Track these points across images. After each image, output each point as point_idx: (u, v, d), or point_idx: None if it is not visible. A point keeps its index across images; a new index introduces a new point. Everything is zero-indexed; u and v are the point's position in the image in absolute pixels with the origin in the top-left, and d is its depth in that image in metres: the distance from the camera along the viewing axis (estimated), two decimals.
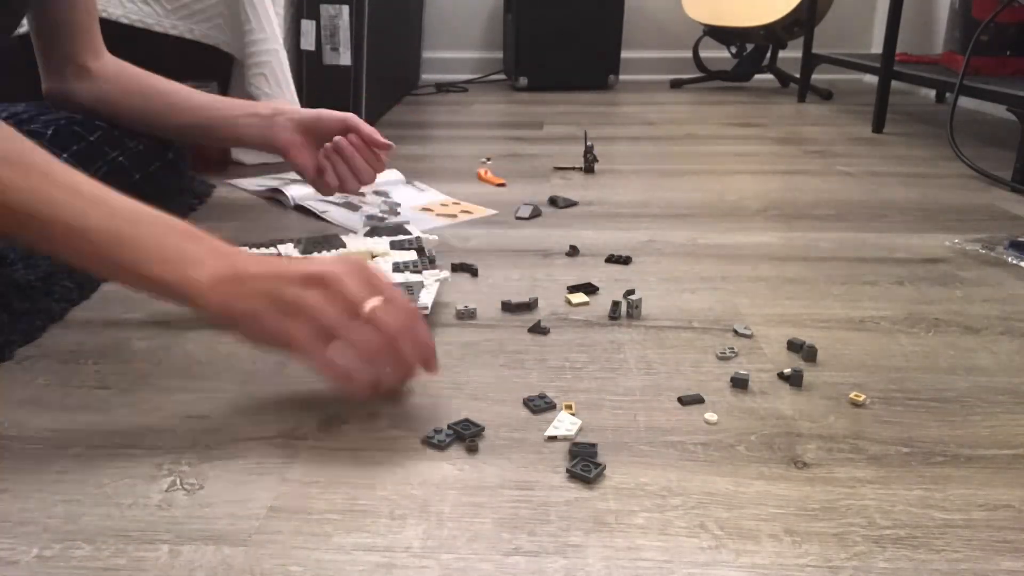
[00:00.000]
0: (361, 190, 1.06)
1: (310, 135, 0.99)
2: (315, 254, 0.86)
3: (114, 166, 1.02)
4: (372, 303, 0.56)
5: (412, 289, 0.76)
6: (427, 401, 0.64)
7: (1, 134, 0.58)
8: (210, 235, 0.60)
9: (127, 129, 1.03)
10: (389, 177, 1.28)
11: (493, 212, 1.16)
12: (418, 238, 0.91)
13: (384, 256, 0.86)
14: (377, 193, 1.20)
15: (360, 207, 1.14)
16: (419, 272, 0.81)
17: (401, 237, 0.91)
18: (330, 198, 1.14)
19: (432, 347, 0.60)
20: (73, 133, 0.97)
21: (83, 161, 1.00)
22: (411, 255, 0.85)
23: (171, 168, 1.12)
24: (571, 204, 1.19)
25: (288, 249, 0.89)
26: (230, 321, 0.58)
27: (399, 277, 0.78)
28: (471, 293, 0.86)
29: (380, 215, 1.09)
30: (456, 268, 0.92)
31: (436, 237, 0.94)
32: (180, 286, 0.57)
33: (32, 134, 0.98)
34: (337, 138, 0.98)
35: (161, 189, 1.10)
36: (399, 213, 1.12)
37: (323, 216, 1.11)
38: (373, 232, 0.94)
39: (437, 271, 0.82)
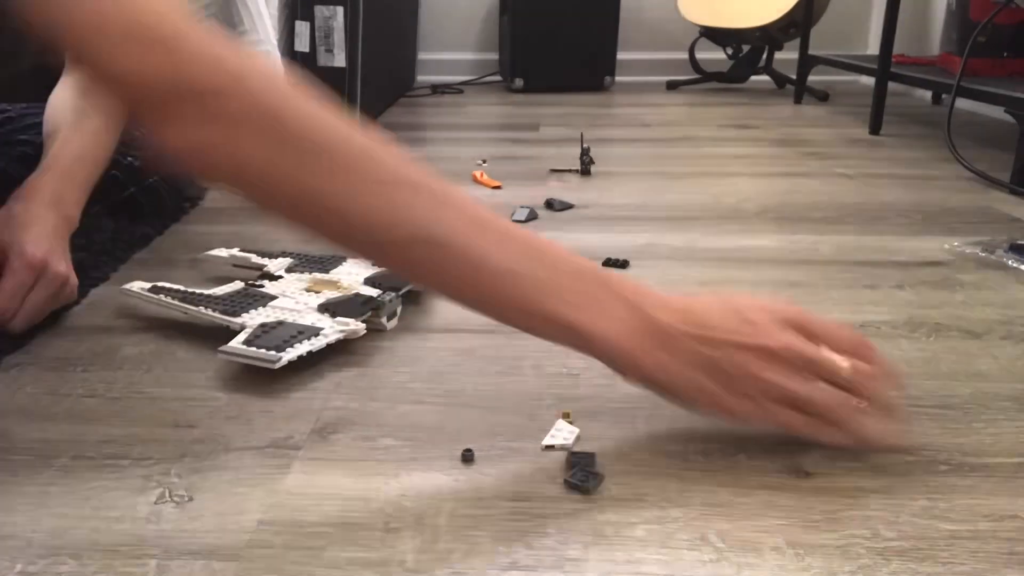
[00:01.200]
0: None
1: None
2: (297, 275, 0.83)
3: (107, 178, 1.01)
4: (846, 365, 0.53)
5: (298, 336, 0.68)
6: (420, 408, 0.63)
7: (411, 168, 0.54)
8: (613, 272, 0.58)
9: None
10: None
11: None
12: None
13: (346, 290, 0.79)
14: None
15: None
16: (334, 316, 0.73)
17: (377, 272, 0.83)
18: None
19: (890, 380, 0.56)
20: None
21: None
22: (350, 295, 0.78)
23: (169, 181, 1.09)
24: (567, 207, 1.18)
25: (279, 264, 0.86)
26: (660, 390, 0.55)
27: (315, 318, 0.72)
28: None
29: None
30: None
31: None
32: (589, 334, 0.53)
33: (23, 144, 0.97)
34: None
35: (159, 201, 1.09)
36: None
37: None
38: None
39: (349, 321, 0.72)
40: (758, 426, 0.55)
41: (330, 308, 0.74)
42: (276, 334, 0.69)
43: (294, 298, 0.77)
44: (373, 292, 0.78)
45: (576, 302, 0.53)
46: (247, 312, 0.74)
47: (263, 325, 0.70)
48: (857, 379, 0.53)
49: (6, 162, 0.95)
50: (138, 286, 0.79)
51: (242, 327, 0.70)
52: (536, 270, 0.53)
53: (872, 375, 0.54)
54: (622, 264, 0.94)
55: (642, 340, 0.53)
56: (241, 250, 0.89)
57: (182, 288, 0.78)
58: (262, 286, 0.80)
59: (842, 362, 0.53)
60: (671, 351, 0.53)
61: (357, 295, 0.78)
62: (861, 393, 0.54)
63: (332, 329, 0.71)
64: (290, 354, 0.66)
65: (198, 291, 0.77)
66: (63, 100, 0.91)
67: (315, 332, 0.70)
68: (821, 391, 0.53)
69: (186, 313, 0.75)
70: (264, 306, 0.75)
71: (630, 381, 0.56)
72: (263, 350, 0.66)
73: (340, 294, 0.78)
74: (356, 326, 0.72)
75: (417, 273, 0.57)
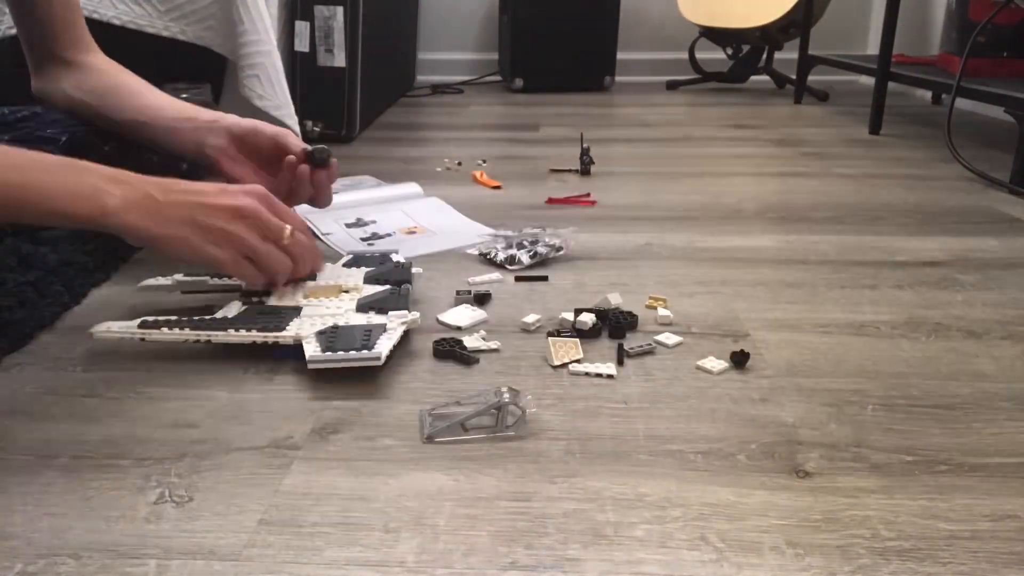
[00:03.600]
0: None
1: (244, 148, 0.92)
2: (290, 284, 0.80)
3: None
4: (287, 233, 0.73)
5: (370, 334, 0.68)
6: (420, 408, 0.63)
7: None
8: (98, 165, 0.67)
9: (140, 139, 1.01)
10: (407, 191, 1.22)
11: (490, 231, 1.14)
12: (401, 266, 0.84)
13: (354, 291, 0.79)
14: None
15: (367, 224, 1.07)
16: (383, 312, 0.73)
17: (371, 270, 0.84)
18: (338, 216, 1.09)
19: (320, 257, 0.81)
20: (89, 142, 0.95)
21: None
22: (383, 290, 0.78)
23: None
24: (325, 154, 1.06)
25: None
26: (153, 244, 0.68)
27: (361, 318, 0.72)
28: (466, 297, 0.85)
29: (383, 234, 1.03)
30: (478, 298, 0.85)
31: (421, 270, 0.88)
32: (98, 217, 0.65)
33: (47, 140, 0.96)
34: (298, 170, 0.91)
35: None
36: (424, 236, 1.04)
37: (322, 237, 1.03)
38: (354, 262, 0.87)
39: (406, 313, 0.73)
40: (225, 272, 0.73)
41: (374, 306, 0.74)
42: (347, 336, 0.68)
43: (321, 305, 0.75)
44: (363, 319, 0.73)
45: (78, 194, 0.65)
46: (288, 325, 0.70)
47: (322, 333, 0.69)
48: (292, 243, 0.74)
49: None
50: (119, 326, 0.70)
51: (297, 339, 0.68)
52: (42, 180, 0.64)
53: (299, 248, 0.75)
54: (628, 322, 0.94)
55: (141, 211, 0.66)
56: (186, 274, 0.82)
57: (181, 318, 0.71)
58: (263, 302, 0.77)
59: (287, 230, 0.73)
60: (164, 216, 0.68)
61: (392, 290, 0.78)
62: (291, 253, 0.75)
63: (394, 322, 0.71)
64: (383, 347, 0.66)
65: (206, 317, 0.72)
66: (109, 83, 0.96)
67: (382, 327, 0.70)
68: (267, 248, 0.72)
69: (210, 341, 0.69)
70: (298, 316, 0.72)
71: (132, 242, 0.69)
72: (353, 352, 0.65)
73: (356, 295, 0.78)
74: (413, 315, 0.73)
75: None
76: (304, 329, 0.70)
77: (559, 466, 0.55)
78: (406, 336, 0.74)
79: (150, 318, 0.71)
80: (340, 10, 1.62)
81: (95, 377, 0.67)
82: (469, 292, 0.85)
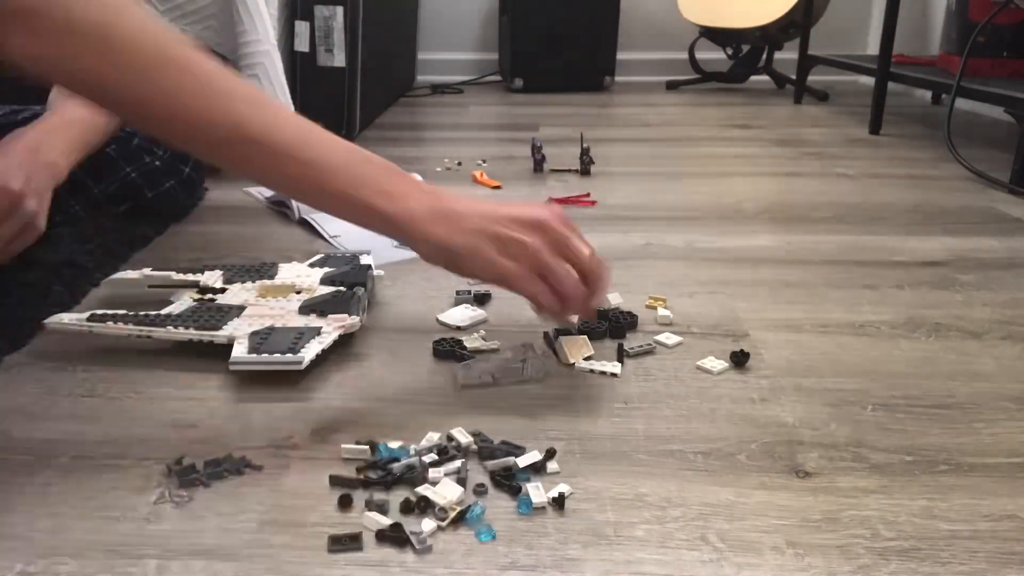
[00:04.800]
0: None
1: None
2: (240, 284, 0.80)
3: (126, 182, 1.01)
4: (588, 252, 0.65)
5: (301, 337, 0.67)
6: (421, 408, 0.63)
7: (228, 76, 0.60)
8: (413, 176, 0.66)
9: (141, 141, 1.01)
10: None
11: None
12: (358, 268, 0.82)
13: (307, 292, 0.78)
14: None
15: None
16: (324, 315, 0.72)
17: (331, 270, 0.83)
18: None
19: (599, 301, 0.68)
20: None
21: (96, 176, 0.98)
22: (331, 292, 0.77)
23: (185, 185, 1.09)
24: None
25: (213, 276, 0.81)
26: (448, 254, 0.63)
27: (300, 320, 0.71)
28: (465, 297, 0.84)
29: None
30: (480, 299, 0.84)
31: (382, 273, 0.87)
32: (400, 217, 0.62)
33: None
34: None
35: (173, 206, 1.08)
36: None
37: (329, 238, 1.02)
38: (323, 262, 0.86)
39: (345, 317, 0.71)
40: (517, 288, 0.64)
41: (315, 308, 0.73)
42: (277, 339, 0.67)
43: (266, 304, 0.75)
44: (301, 321, 0.72)
45: (388, 191, 0.62)
46: (225, 325, 0.70)
47: (256, 333, 0.69)
48: (591, 266, 0.65)
49: None
50: (69, 318, 0.71)
51: (231, 339, 0.68)
52: (354, 165, 0.63)
53: (600, 270, 0.66)
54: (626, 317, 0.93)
55: (435, 218, 0.63)
56: (154, 269, 0.83)
57: (128, 312, 0.72)
58: (214, 299, 0.76)
59: (585, 249, 0.65)
60: (458, 225, 0.63)
61: (338, 292, 0.77)
62: (588, 279, 0.65)
63: (331, 326, 0.70)
64: (309, 352, 0.65)
65: (151, 313, 0.72)
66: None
67: (316, 331, 0.69)
68: (566, 270, 0.64)
69: (151, 337, 0.70)
70: (238, 316, 0.72)
71: (423, 253, 0.64)
72: (278, 355, 0.65)
73: (307, 296, 0.77)
74: (352, 320, 0.72)
75: (246, 169, 0.62)
76: (240, 329, 0.70)
77: (559, 466, 0.55)
78: (406, 337, 0.74)
79: (99, 311, 0.72)
80: (340, 10, 1.61)
81: (95, 377, 0.67)
82: (469, 292, 0.85)
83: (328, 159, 0.62)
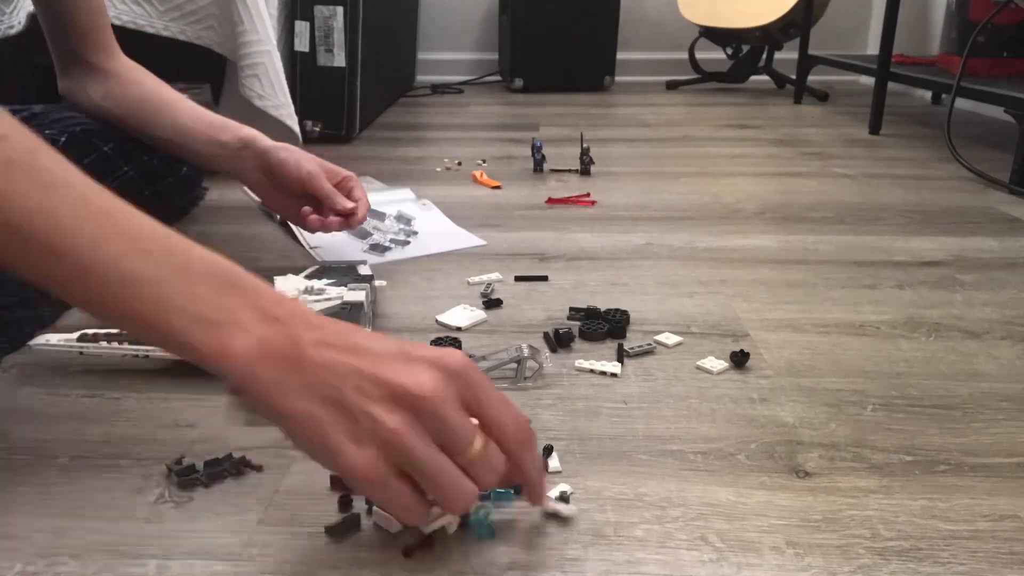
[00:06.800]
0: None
1: (274, 178, 0.89)
2: None
3: (124, 181, 1.00)
4: (477, 447, 0.43)
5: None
6: None
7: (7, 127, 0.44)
8: (259, 280, 0.45)
9: (139, 139, 1.01)
10: (400, 195, 1.21)
11: (482, 243, 1.14)
12: (360, 278, 0.80)
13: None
14: (398, 218, 1.10)
15: (371, 234, 1.04)
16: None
17: (325, 283, 0.78)
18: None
19: (541, 491, 0.48)
20: (88, 143, 0.95)
21: (94, 173, 0.98)
22: (334, 305, 0.74)
23: (183, 184, 1.08)
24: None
25: None
26: (267, 415, 0.42)
27: None
28: (464, 298, 0.85)
29: (387, 244, 1.01)
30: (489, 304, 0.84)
31: (385, 283, 0.85)
32: (212, 357, 0.42)
33: (46, 140, 0.97)
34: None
35: (171, 205, 1.08)
36: (410, 241, 1.03)
37: (309, 248, 0.99)
38: (319, 273, 0.82)
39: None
40: (366, 494, 0.47)
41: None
42: None
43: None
44: (341, 301, 0.72)
45: (209, 318, 0.42)
46: None
47: None
48: (480, 465, 0.43)
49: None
50: (58, 338, 0.67)
51: None
52: (163, 277, 0.42)
53: (496, 469, 0.44)
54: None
55: (273, 366, 0.42)
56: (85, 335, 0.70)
57: (120, 333, 0.67)
58: None
59: (477, 440, 0.43)
60: (301, 380, 0.42)
61: (345, 305, 0.75)
62: (476, 480, 0.43)
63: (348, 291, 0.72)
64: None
65: None
66: (139, 95, 0.95)
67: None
68: (445, 468, 0.42)
69: (148, 356, 0.66)
70: None
71: (249, 408, 0.44)
72: None
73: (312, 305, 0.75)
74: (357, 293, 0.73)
75: (15, 267, 0.42)
76: None
77: (560, 465, 0.55)
78: (406, 337, 0.74)
79: (89, 331, 0.68)
80: (340, 10, 1.62)
81: (95, 377, 0.67)
82: (487, 288, 0.85)
83: (129, 268, 0.42)
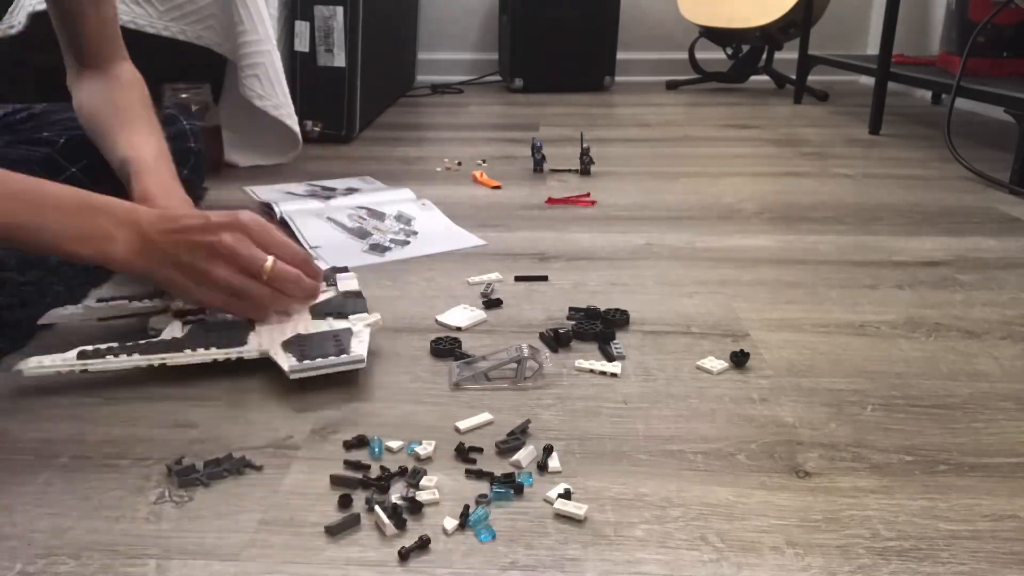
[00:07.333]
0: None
1: None
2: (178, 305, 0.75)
3: (119, 185, 1.00)
4: (268, 265, 0.68)
5: (339, 339, 0.67)
6: (421, 409, 0.63)
7: None
8: (113, 198, 0.69)
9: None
10: (400, 195, 1.20)
11: (482, 243, 1.14)
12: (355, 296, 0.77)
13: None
14: (398, 218, 1.10)
15: (371, 234, 1.04)
16: (344, 317, 0.71)
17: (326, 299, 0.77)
18: (337, 221, 1.08)
19: (315, 288, 0.73)
20: (87, 144, 0.95)
21: (89, 176, 0.98)
22: (335, 296, 0.76)
23: (182, 184, 1.08)
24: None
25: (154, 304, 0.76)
26: (153, 281, 0.70)
27: (322, 325, 0.70)
28: (464, 297, 0.85)
29: (387, 244, 1.01)
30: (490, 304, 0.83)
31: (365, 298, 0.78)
32: (102, 260, 0.67)
33: (45, 142, 0.96)
34: None
35: None
36: (410, 241, 1.03)
37: (309, 248, 0.99)
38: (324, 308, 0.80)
39: (366, 315, 0.72)
40: (224, 311, 0.70)
41: (331, 312, 0.72)
42: (318, 344, 0.66)
43: (275, 316, 0.72)
44: (325, 325, 0.71)
45: (87, 237, 0.66)
46: (248, 340, 0.68)
47: (289, 343, 0.67)
48: (273, 276, 0.69)
49: (29, 166, 0.93)
50: (52, 360, 0.64)
51: (263, 354, 0.66)
52: (56, 221, 0.65)
53: (289, 275, 0.69)
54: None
55: (140, 255, 0.67)
56: (99, 300, 0.76)
57: (123, 343, 0.66)
58: (203, 318, 0.72)
59: (268, 263, 0.68)
60: (157, 257, 0.68)
61: (349, 294, 0.76)
62: (280, 289, 0.70)
63: (359, 324, 0.70)
64: (362, 348, 0.65)
65: (154, 340, 0.68)
66: (101, 101, 0.91)
67: (348, 331, 0.68)
68: (247, 284, 0.68)
69: (164, 364, 0.65)
70: (253, 331, 0.69)
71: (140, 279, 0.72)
72: (332, 357, 0.64)
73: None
74: (375, 316, 0.72)
75: None
76: (266, 342, 0.68)
77: (560, 465, 0.55)
78: (406, 338, 0.74)
79: (89, 347, 0.65)
80: (340, 10, 1.62)
81: (95, 377, 0.67)
82: (487, 288, 0.84)
83: (27, 219, 0.64)
